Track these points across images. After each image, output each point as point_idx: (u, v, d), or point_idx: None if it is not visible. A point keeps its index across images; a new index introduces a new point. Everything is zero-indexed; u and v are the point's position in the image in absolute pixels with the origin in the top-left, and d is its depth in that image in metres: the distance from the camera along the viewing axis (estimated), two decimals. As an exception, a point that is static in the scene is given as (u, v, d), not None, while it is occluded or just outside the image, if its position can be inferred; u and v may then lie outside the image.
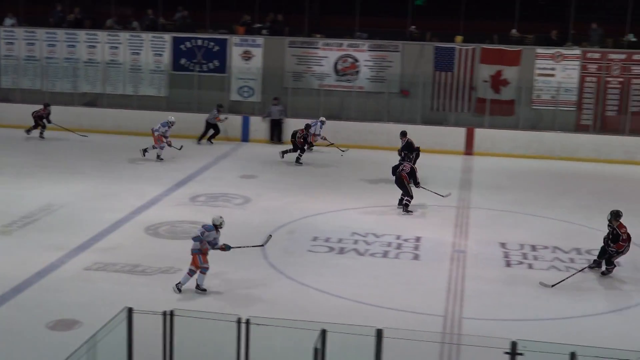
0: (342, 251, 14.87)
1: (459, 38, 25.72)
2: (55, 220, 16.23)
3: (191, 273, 12.52)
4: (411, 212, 17.73)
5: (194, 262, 12.53)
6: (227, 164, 22.40)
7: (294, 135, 22.61)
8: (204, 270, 12.55)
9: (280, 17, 27.46)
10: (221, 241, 12.76)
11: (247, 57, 26.26)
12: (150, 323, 8.87)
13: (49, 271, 13.23)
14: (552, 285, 13.27)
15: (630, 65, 24.46)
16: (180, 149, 22.31)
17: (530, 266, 14.49)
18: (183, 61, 26.54)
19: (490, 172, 21.47)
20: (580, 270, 13.79)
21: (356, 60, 25.79)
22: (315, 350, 8.29)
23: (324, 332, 8.50)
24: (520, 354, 8.43)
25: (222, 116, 24.73)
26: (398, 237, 15.76)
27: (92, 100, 26.78)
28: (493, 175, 21.32)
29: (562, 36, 25.98)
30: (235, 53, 26.30)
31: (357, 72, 25.78)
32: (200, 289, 12.51)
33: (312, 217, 17.01)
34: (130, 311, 8.86)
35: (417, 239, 15.68)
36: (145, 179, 19.81)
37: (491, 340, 9.03)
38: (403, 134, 20.58)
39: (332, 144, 23.17)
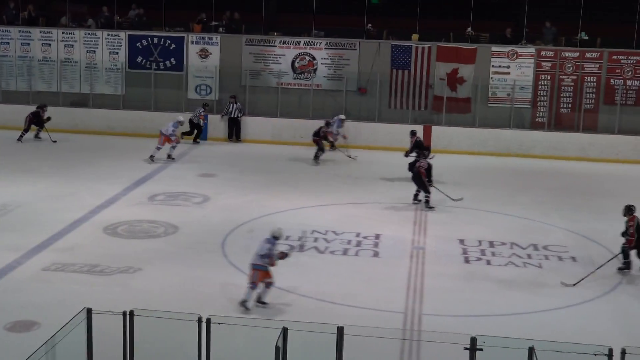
0: (302, 249, 14.89)
1: (415, 36, 25.87)
2: (12, 220, 16.02)
3: (253, 287, 12.03)
4: (433, 207, 17.90)
5: (259, 277, 12.01)
6: (185, 162, 22.28)
7: (315, 134, 22.68)
8: (269, 285, 12.10)
9: (237, 15, 27.35)
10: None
11: (204, 55, 26.13)
12: (110, 323, 8.82)
13: (6, 272, 13.06)
14: (574, 284, 13.43)
15: (583, 63, 24.82)
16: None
17: (488, 262, 14.64)
18: (139, 59, 26.34)
19: (448, 169, 21.59)
20: (600, 267, 13.90)
21: (313, 59, 25.81)
22: (277, 348, 8.29)
23: (285, 330, 8.51)
24: (480, 350, 8.53)
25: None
26: (358, 235, 15.82)
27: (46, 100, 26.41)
28: (451, 172, 21.46)
29: (516, 34, 26.27)
30: (192, 51, 26.15)
31: (315, 70, 25.81)
32: (261, 302, 12.04)
33: (272, 215, 16.99)
34: (89, 312, 8.80)
35: (377, 237, 15.76)
36: (103, 178, 19.61)
37: (451, 336, 9.12)
38: (412, 134, 20.96)
39: (342, 145, 23.35)
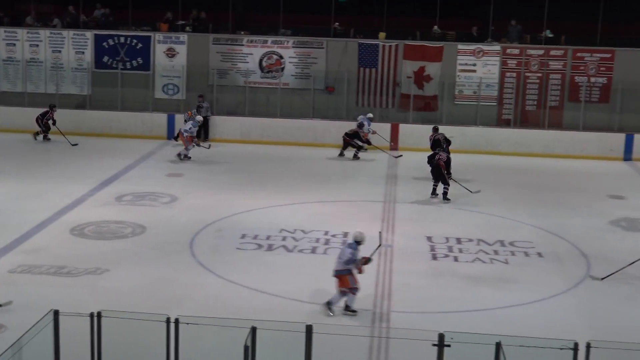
0: (270, 248, 14.91)
1: (382, 34, 25.98)
2: (-23, 222, 15.87)
3: (342, 294, 11.88)
4: (449, 199, 18.31)
5: (343, 284, 11.85)
6: (153, 162, 22.18)
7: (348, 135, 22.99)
8: (354, 291, 11.89)
9: (204, 14, 27.28)
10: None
11: (171, 54, 26.03)
12: (77, 325, 8.77)
13: (-29, 275, 12.94)
14: (602, 279, 13.60)
15: (548, 61, 25.08)
16: (209, 148, 22.38)
17: (455, 259, 14.75)
18: (106, 59, 26.17)
19: (415, 166, 21.74)
20: (632, 263, 13.98)
21: (281, 57, 25.82)
22: (246, 347, 8.31)
23: (254, 330, 8.52)
24: (448, 346, 8.60)
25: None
26: (326, 233, 15.86)
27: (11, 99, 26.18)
28: (418, 169, 21.56)
29: (482, 33, 26.49)
30: (159, 50, 26.04)
31: (282, 68, 25.82)
32: (350, 311, 11.83)
33: (240, 214, 16.99)
34: (56, 314, 8.74)
35: (345, 235, 15.78)
36: (70, 179, 19.47)
37: (419, 332, 9.17)
38: (434, 129, 21.28)
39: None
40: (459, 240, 15.71)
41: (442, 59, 25.27)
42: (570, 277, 13.94)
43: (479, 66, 25.24)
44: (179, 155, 22.13)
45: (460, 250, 15.17)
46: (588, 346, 8.58)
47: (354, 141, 22.89)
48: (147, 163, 21.92)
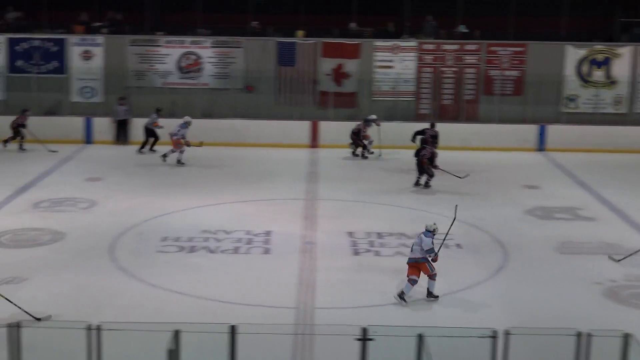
0: (192, 250, 14.86)
1: (300, 33, 26.07)
2: None
3: (413, 282, 12.45)
4: (430, 186, 19.64)
5: (422, 271, 12.53)
6: (71, 167, 21.81)
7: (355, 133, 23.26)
8: (434, 277, 12.56)
9: (120, 15, 26.94)
10: None
11: (87, 56, 25.63)
12: (-5, 337, 8.63)
13: None
14: (619, 260, 14.30)
15: (463, 55, 25.54)
16: (200, 146, 22.00)
17: (377, 253, 14.95)
18: (20, 63, 25.61)
19: (336, 163, 21.92)
20: None
21: (199, 57, 25.68)
22: (170, 351, 8.30)
23: (177, 333, 8.52)
24: (371, 339, 8.74)
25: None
26: (248, 233, 15.88)
27: None
28: (339, 166, 21.78)
29: (398, 29, 26.82)
30: (74, 53, 25.60)
31: (201, 69, 25.68)
32: (433, 296, 12.59)
33: (161, 217, 16.87)
34: (-27, 325, 8.59)
35: (267, 233, 15.85)
36: (-16, 187, 19.03)
37: (343, 328, 9.30)
38: (432, 125, 22.18)
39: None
40: (380, 235, 15.91)
41: (359, 56, 25.50)
42: (489, 266, 14.29)
43: (396, 62, 25.54)
44: (178, 161, 21.86)
45: (382, 245, 15.38)
46: (507, 333, 8.84)
47: (361, 140, 23.25)
48: (64, 168, 21.54)
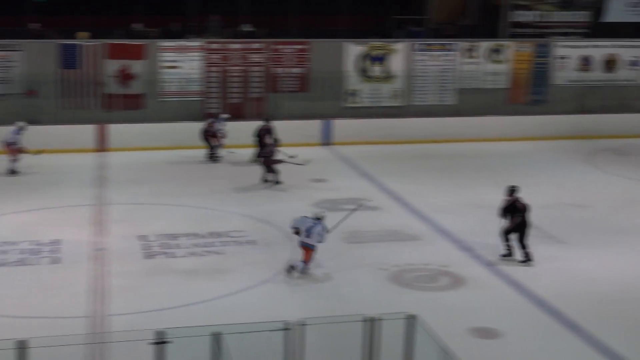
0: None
1: (83, 34, 25.37)
2: None
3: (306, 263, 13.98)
4: (282, 182, 19.91)
5: (307, 255, 13.93)
6: None
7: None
8: (308, 263, 13.97)
9: None
10: None
11: None
12: None
13: None
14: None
15: (248, 54, 25.89)
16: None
17: (170, 255, 14.96)
18: None
19: (125, 166, 21.57)
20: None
21: (-27, 62, 24.39)
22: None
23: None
24: (166, 342, 8.78)
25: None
26: (35, 243, 15.38)
27: None
28: (128, 169, 21.44)
29: (184, 28, 26.76)
30: None
31: (-24, 74, 24.41)
32: (293, 270, 13.95)
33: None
34: None
35: (56, 242, 15.42)
36: None
37: (137, 333, 9.27)
38: (266, 120, 22.72)
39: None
40: (172, 237, 15.91)
41: (145, 57, 25.20)
42: (280, 261, 14.66)
43: (182, 62, 25.47)
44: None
45: (174, 246, 15.39)
46: (301, 324, 9.21)
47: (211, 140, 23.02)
48: None
